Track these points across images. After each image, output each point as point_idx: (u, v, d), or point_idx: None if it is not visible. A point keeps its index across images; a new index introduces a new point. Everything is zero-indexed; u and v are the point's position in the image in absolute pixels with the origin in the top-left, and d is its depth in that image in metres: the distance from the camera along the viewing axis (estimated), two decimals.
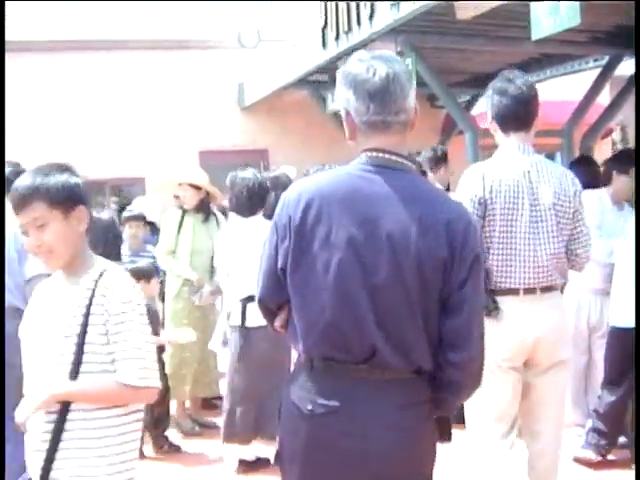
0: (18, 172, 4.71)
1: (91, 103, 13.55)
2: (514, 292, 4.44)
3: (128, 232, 8.18)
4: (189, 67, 14.17)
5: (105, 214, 6.37)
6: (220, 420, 6.48)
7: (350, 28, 8.95)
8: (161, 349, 6.17)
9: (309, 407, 2.77)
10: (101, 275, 2.99)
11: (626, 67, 10.45)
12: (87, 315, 2.92)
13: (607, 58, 10.38)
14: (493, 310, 4.39)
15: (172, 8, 14.03)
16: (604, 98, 12.03)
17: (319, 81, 11.72)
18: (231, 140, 14.10)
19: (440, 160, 7.87)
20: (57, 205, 2.96)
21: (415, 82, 2.84)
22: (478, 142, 8.96)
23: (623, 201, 6.71)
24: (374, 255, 2.69)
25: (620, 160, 6.76)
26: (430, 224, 2.69)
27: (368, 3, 8.38)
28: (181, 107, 14.03)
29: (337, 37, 9.31)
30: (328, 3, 9.46)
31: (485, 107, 4.75)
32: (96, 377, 2.93)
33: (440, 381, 2.80)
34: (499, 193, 4.38)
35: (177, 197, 7.75)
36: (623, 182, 6.59)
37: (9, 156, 5.70)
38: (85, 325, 2.92)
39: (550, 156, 17.56)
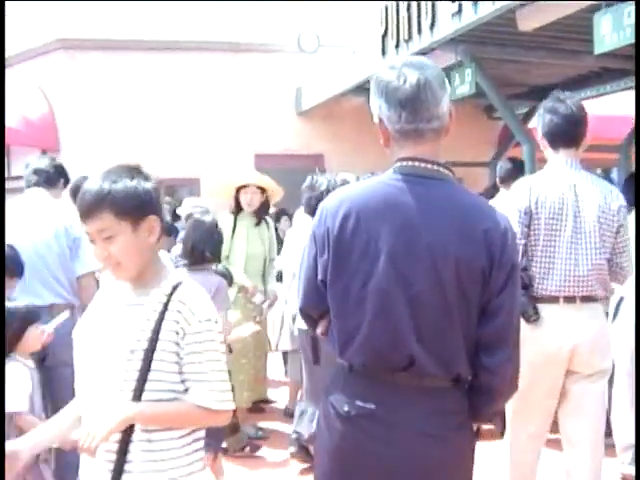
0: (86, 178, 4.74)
1: (149, 103, 13.66)
2: (554, 300, 4.64)
3: None
4: (248, 70, 14.24)
5: (208, 217, 6.35)
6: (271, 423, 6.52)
7: (410, 36, 8.97)
8: None
9: (345, 408, 2.79)
10: (175, 289, 2.79)
11: None
12: (158, 331, 2.73)
13: None
14: (533, 316, 4.59)
15: (233, 10, 14.10)
16: None
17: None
18: (286, 144, 14.16)
19: (517, 172, 7.78)
20: (125, 216, 2.74)
21: (448, 89, 2.81)
22: (535, 154, 8.92)
23: None
24: (413, 265, 2.69)
25: None
26: (468, 233, 2.70)
27: (430, 12, 8.39)
28: (238, 109, 14.10)
29: (397, 45, 9.33)
30: (389, 11, 9.49)
31: (536, 124, 4.93)
32: (161, 396, 2.73)
33: (476, 387, 2.82)
34: (544, 205, 4.63)
35: (236, 200, 7.72)
36: None
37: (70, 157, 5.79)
38: (155, 341, 2.73)
39: (607, 171, 17.47)
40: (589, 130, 9.03)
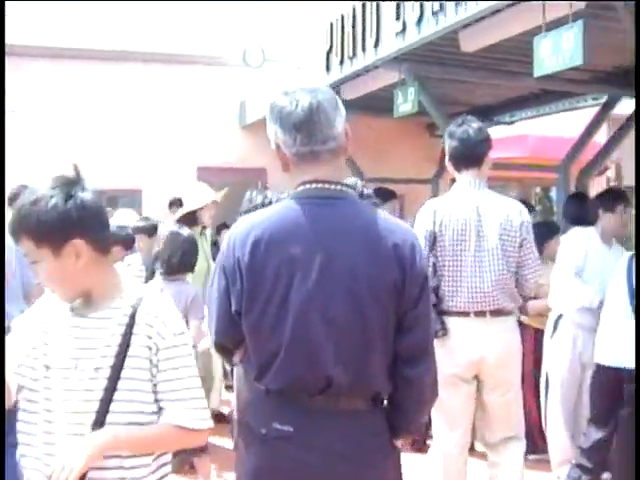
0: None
1: (92, 112, 13.55)
2: (465, 314, 4.99)
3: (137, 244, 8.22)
4: (192, 82, 14.21)
5: (184, 230, 6.60)
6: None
7: (355, 54, 9.04)
8: None
9: (263, 431, 2.77)
10: (140, 301, 2.65)
11: (624, 106, 10.56)
12: (126, 346, 2.58)
13: (606, 97, 10.48)
14: (440, 331, 4.91)
15: (179, 22, 14.09)
16: (601, 136, 12.14)
17: None
18: (229, 157, 14.15)
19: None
20: (42, 242, 2.56)
21: (342, 111, 2.85)
22: None
23: (612, 239, 6.80)
24: (327, 287, 2.70)
25: (606, 198, 6.88)
26: (378, 249, 2.74)
27: (374, 30, 8.47)
28: (182, 121, 14.05)
29: (341, 62, 9.39)
30: (334, 28, 9.55)
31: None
32: (130, 418, 2.57)
33: (399, 402, 2.87)
34: (448, 227, 5.02)
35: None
36: (609, 220, 6.70)
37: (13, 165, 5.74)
38: (123, 357, 2.57)
39: (546, 189, 17.72)
40: (530, 150, 9.30)
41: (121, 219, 8.70)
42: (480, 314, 5.01)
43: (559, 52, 6.04)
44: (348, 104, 9.99)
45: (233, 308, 2.77)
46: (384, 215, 2.93)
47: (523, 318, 7.44)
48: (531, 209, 8.94)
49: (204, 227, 8.23)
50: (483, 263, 5.01)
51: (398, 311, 2.76)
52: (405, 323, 2.77)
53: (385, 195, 8.62)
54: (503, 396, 5.16)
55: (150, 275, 7.14)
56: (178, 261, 6.28)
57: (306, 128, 2.76)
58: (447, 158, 5.30)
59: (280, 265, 2.70)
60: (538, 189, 17.90)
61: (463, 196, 5.13)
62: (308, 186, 2.80)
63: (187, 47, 14.15)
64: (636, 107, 4.69)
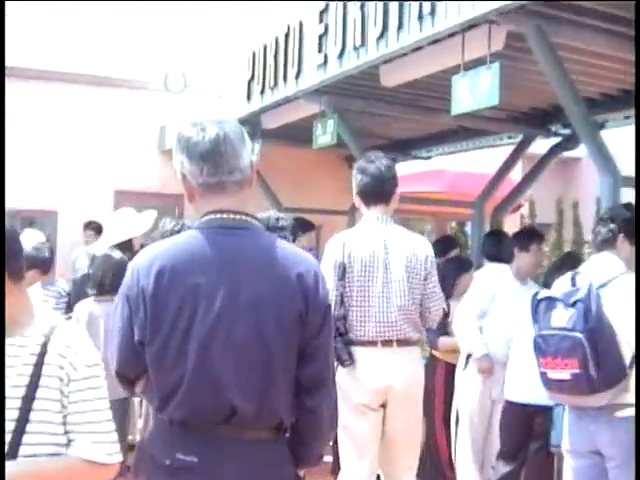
0: None
1: (9, 131, 13.38)
2: (372, 344, 5.12)
3: None
4: (112, 105, 14.11)
5: (116, 252, 6.80)
6: None
7: (276, 84, 9.07)
8: None
9: (167, 461, 2.74)
10: (53, 330, 2.55)
11: (539, 145, 10.78)
12: (37, 375, 2.48)
13: (521, 136, 10.69)
14: (347, 360, 5.03)
15: (101, 44, 14.01)
16: (516, 174, 12.36)
17: None
18: (148, 182, 14.06)
19: None
20: None
21: (251, 143, 2.90)
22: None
23: (527, 277, 6.93)
24: (231, 317, 2.70)
25: (521, 237, 7.03)
26: (282, 279, 2.77)
27: (296, 61, 8.52)
28: (101, 144, 13.94)
29: (262, 91, 9.42)
30: (256, 57, 9.59)
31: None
32: (43, 450, 2.46)
33: (300, 431, 2.88)
34: (357, 258, 5.17)
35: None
36: (524, 259, 6.85)
37: None
38: (34, 387, 2.47)
39: (462, 224, 17.94)
40: (447, 184, 9.52)
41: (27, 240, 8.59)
42: (387, 343, 5.16)
43: (476, 92, 6.15)
44: (268, 133, 10.14)
45: (136, 338, 2.75)
46: (287, 246, 2.98)
47: (435, 353, 7.52)
48: (455, 245, 9.09)
49: (135, 252, 8.18)
50: (390, 294, 5.18)
51: (301, 341, 2.78)
52: (307, 352, 2.80)
53: (304, 226, 8.66)
54: (407, 425, 5.30)
55: (77, 297, 7.19)
56: (110, 282, 6.42)
57: (213, 159, 2.78)
58: (355, 192, 5.48)
59: (184, 295, 2.69)
60: (454, 224, 18.12)
61: (371, 230, 5.31)
62: (213, 216, 2.81)
63: (109, 70, 14.07)
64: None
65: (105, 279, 6.55)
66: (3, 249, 2.37)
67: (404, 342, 5.21)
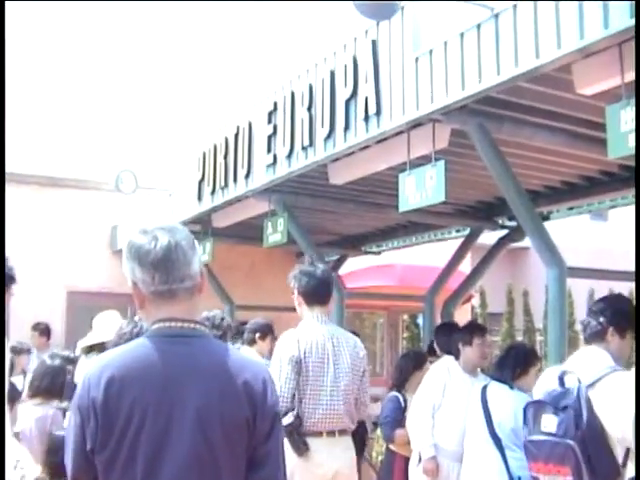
0: None
1: None
2: (319, 434, 5.47)
3: None
4: (64, 205, 14.15)
5: (57, 360, 6.61)
6: None
7: (227, 184, 9.19)
8: None
9: None
10: None
11: (487, 237, 10.96)
12: None
13: (469, 229, 10.88)
14: (303, 448, 5.35)
15: (53, 144, 14.10)
16: (466, 265, 12.53)
17: (192, 231, 11.57)
18: (100, 282, 14.03)
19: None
20: None
21: (198, 250, 2.93)
22: (344, 302, 9.18)
23: (476, 369, 7.01)
24: (179, 428, 2.68)
25: (464, 333, 7.12)
26: (229, 386, 2.75)
27: (246, 162, 8.65)
28: (52, 244, 13.93)
29: (213, 192, 9.53)
30: (207, 158, 9.72)
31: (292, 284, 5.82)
32: None
33: None
34: (310, 353, 5.52)
35: None
36: (468, 353, 6.95)
37: None
38: None
39: (413, 317, 18.04)
40: (397, 278, 9.71)
41: None
42: (330, 434, 5.54)
43: (422, 189, 6.28)
44: (219, 232, 10.19)
45: (88, 446, 2.71)
46: (236, 352, 2.98)
47: (392, 447, 7.53)
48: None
49: None
50: (338, 387, 5.56)
51: (249, 447, 2.76)
52: (256, 459, 2.77)
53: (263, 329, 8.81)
54: None
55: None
56: (41, 385, 6.35)
57: (164, 267, 2.79)
58: (298, 293, 5.80)
59: (133, 405, 2.67)
60: (405, 316, 18.22)
61: (318, 328, 5.67)
62: (162, 324, 2.81)
63: (61, 170, 14.13)
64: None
65: (35, 381, 6.42)
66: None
67: (343, 432, 5.62)
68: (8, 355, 6.83)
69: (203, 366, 2.78)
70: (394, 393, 7.76)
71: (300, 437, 5.37)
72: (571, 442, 4.34)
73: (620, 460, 4.37)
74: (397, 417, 7.41)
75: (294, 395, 5.44)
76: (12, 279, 6.47)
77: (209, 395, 2.73)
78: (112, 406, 2.67)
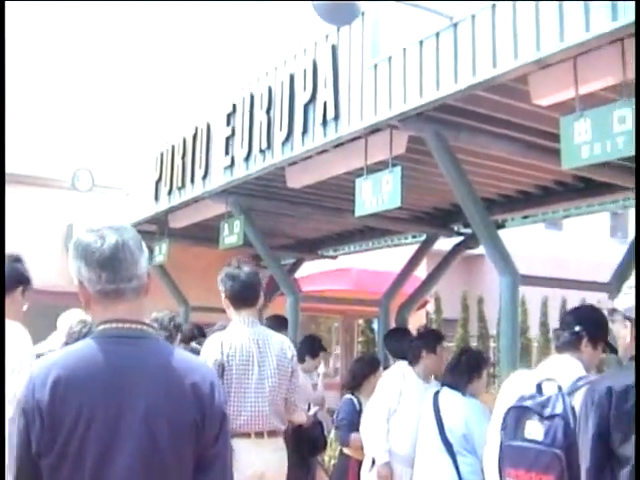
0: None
1: None
2: (246, 435, 5.56)
3: None
4: (19, 203, 14.02)
5: None
6: None
7: (184, 184, 9.17)
8: None
9: None
10: None
11: (443, 244, 11.02)
12: None
13: (425, 235, 10.93)
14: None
15: (9, 140, 13.96)
16: (421, 271, 12.58)
17: (148, 231, 11.51)
18: (55, 281, 13.91)
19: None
20: None
21: (146, 251, 2.92)
22: (299, 305, 9.19)
23: (431, 376, 7.06)
24: (127, 429, 2.66)
25: (428, 340, 7.14)
26: (177, 388, 2.75)
27: (204, 163, 8.64)
28: (7, 241, 13.77)
29: (170, 192, 9.51)
30: (164, 158, 9.69)
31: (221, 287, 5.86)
32: None
33: None
34: (234, 356, 5.62)
35: None
36: (432, 360, 6.98)
37: None
38: None
39: (368, 321, 18.10)
40: (353, 283, 9.80)
41: None
42: (259, 435, 5.63)
43: (379, 194, 6.32)
44: (176, 233, 10.15)
45: (33, 450, 2.67)
46: (184, 354, 2.98)
47: (346, 450, 7.55)
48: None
49: None
50: (264, 389, 5.68)
51: (197, 450, 2.76)
52: (203, 461, 2.78)
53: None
54: None
55: None
56: None
57: (111, 266, 2.77)
58: (224, 296, 5.89)
59: (80, 407, 2.65)
60: (361, 321, 18.27)
61: (244, 331, 5.78)
62: (109, 325, 2.79)
63: (16, 167, 14.00)
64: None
65: None
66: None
67: (272, 433, 5.71)
68: None
69: (151, 367, 2.76)
70: (349, 396, 7.78)
71: None
72: (558, 451, 4.34)
73: None
74: (353, 420, 7.40)
75: None
76: (25, 280, 6.13)
77: (156, 397, 2.71)
78: (58, 408, 2.64)
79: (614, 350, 4.94)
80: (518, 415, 4.58)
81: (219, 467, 2.82)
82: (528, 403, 4.58)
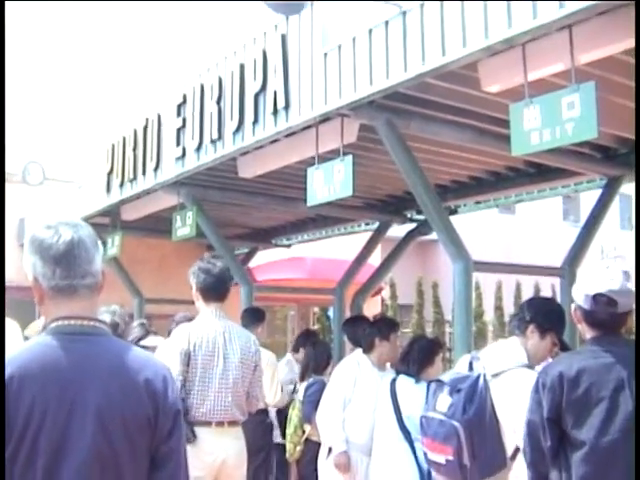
0: None
1: None
2: (208, 424, 5.75)
3: None
4: None
5: None
6: None
7: (135, 177, 9.11)
8: None
9: None
10: None
11: (397, 230, 11.06)
12: None
13: (378, 223, 10.96)
14: (191, 437, 5.57)
15: None
16: (376, 258, 12.63)
17: (100, 224, 11.33)
18: (7, 275, 13.76)
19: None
20: None
21: (101, 248, 2.92)
22: (253, 295, 9.18)
23: (385, 364, 7.07)
24: (78, 428, 2.65)
25: (381, 327, 7.15)
26: (130, 385, 2.74)
27: (155, 155, 8.58)
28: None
29: (122, 184, 9.44)
30: (116, 150, 9.62)
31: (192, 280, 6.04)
32: None
33: None
34: (200, 347, 5.80)
35: None
36: (386, 347, 7.00)
37: None
38: None
39: (324, 309, 18.14)
40: (308, 271, 9.79)
41: None
42: (220, 424, 5.82)
43: (330, 183, 6.32)
44: (129, 225, 10.08)
45: None
46: (136, 350, 2.95)
47: (309, 432, 7.56)
48: None
49: None
50: (227, 380, 5.85)
51: (151, 446, 2.75)
52: (158, 458, 2.76)
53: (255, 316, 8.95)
54: None
55: None
56: None
57: (66, 262, 2.76)
58: (196, 289, 6.03)
59: (32, 404, 2.62)
60: (316, 309, 18.30)
61: (212, 323, 5.94)
62: (61, 322, 2.76)
63: None
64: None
65: None
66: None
67: (233, 423, 5.92)
68: None
69: (104, 364, 2.75)
70: (319, 377, 7.80)
71: (189, 425, 5.60)
72: (456, 423, 4.46)
73: (509, 453, 4.48)
74: (319, 399, 7.35)
75: (183, 386, 5.70)
76: None
77: (110, 393, 2.70)
78: (11, 406, 2.61)
79: (566, 348, 5.03)
80: (435, 388, 4.81)
81: (174, 463, 2.81)
82: (445, 378, 4.72)
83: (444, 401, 4.64)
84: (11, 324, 6.40)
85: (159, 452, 2.77)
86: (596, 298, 3.92)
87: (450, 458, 4.50)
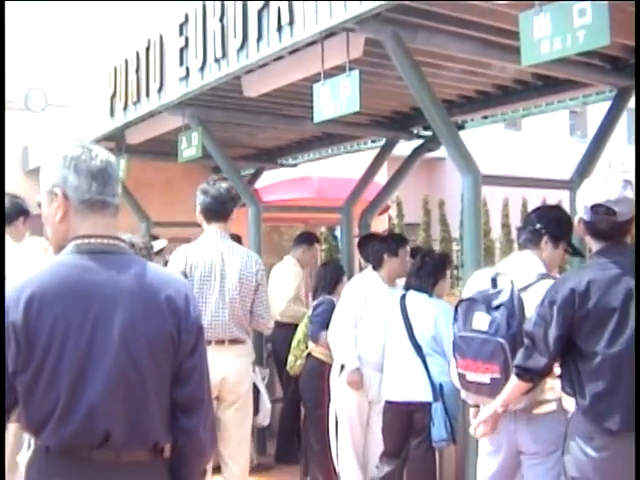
0: None
1: None
2: (208, 343, 5.82)
3: None
4: None
5: None
6: None
7: (139, 99, 9.01)
8: None
9: None
10: None
11: (402, 148, 10.97)
12: None
13: (384, 140, 10.88)
14: None
15: None
16: (382, 176, 12.57)
17: (105, 149, 11.36)
18: None
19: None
20: None
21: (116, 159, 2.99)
22: (261, 215, 9.15)
23: (395, 280, 7.09)
24: (103, 342, 2.68)
25: (390, 243, 7.16)
26: (152, 302, 2.78)
27: (158, 76, 8.49)
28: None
29: (125, 107, 9.35)
30: (118, 72, 9.52)
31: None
32: None
33: (179, 451, 2.88)
34: (197, 268, 6.09)
35: None
36: (395, 263, 7.01)
37: None
38: None
39: (331, 229, 18.14)
40: (314, 191, 9.88)
41: None
42: (219, 342, 6.08)
43: (337, 99, 6.25)
44: (134, 149, 10.04)
45: (10, 369, 2.66)
46: (157, 268, 3.02)
47: (316, 351, 7.62)
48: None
49: None
50: (224, 301, 6.11)
51: (174, 362, 2.80)
52: (181, 374, 2.82)
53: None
54: (238, 411, 6.25)
55: None
56: None
57: (102, 178, 2.83)
58: (198, 211, 6.27)
59: (55, 322, 2.64)
60: (323, 228, 18.30)
61: (210, 244, 6.21)
62: (82, 241, 2.80)
63: None
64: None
65: None
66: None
67: (234, 341, 6.19)
68: None
69: (125, 283, 2.77)
70: (328, 297, 7.81)
71: None
72: (502, 340, 4.44)
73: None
74: (328, 318, 7.37)
75: None
76: (25, 212, 7.27)
77: (132, 311, 2.72)
78: (32, 326, 2.63)
79: (577, 252, 5.02)
80: (467, 307, 4.73)
81: (196, 379, 2.85)
82: (477, 295, 4.67)
83: (482, 319, 4.60)
84: (37, 241, 6.80)
85: (182, 368, 2.80)
86: (594, 208, 3.92)
87: (497, 376, 4.48)
